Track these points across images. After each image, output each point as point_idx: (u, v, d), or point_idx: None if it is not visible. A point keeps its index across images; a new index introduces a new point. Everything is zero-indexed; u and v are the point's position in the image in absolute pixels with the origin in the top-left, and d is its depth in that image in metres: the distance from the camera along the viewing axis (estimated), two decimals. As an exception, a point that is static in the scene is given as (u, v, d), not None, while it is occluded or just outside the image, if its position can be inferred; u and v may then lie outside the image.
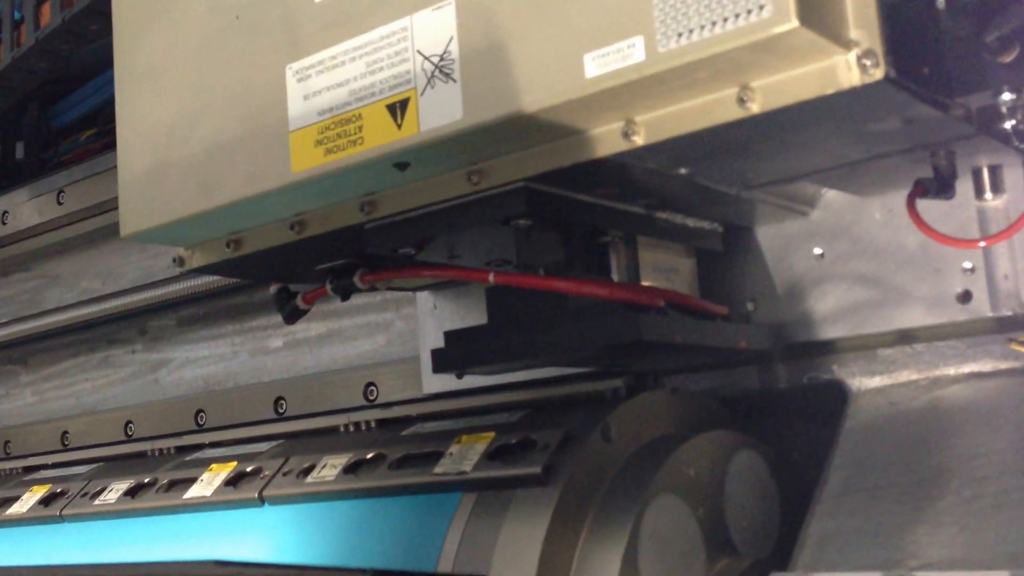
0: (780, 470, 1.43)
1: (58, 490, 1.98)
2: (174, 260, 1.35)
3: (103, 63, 2.26)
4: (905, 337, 1.33)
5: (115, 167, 2.14)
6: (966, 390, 1.28)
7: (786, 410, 1.49)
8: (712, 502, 1.31)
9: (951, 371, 1.30)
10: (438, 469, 1.38)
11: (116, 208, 2.15)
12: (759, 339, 1.37)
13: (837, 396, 1.37)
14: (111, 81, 2.25)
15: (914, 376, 1.33)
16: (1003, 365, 1.27)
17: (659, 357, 1.39)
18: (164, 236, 1.31)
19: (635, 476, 1.27)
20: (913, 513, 1.14)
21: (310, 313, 1.46)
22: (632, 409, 1.37)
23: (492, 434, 1.39)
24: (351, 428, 1.79)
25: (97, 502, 1.85)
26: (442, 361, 1.29)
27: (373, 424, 1.76)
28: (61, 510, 1.90)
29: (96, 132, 2.34)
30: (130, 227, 1.29)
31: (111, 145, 2.25)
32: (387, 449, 1.50)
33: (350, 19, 1.12)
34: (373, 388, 1.83)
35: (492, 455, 1.35)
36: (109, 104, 2.29)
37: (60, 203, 2.29)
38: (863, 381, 1.37)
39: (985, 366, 1.29)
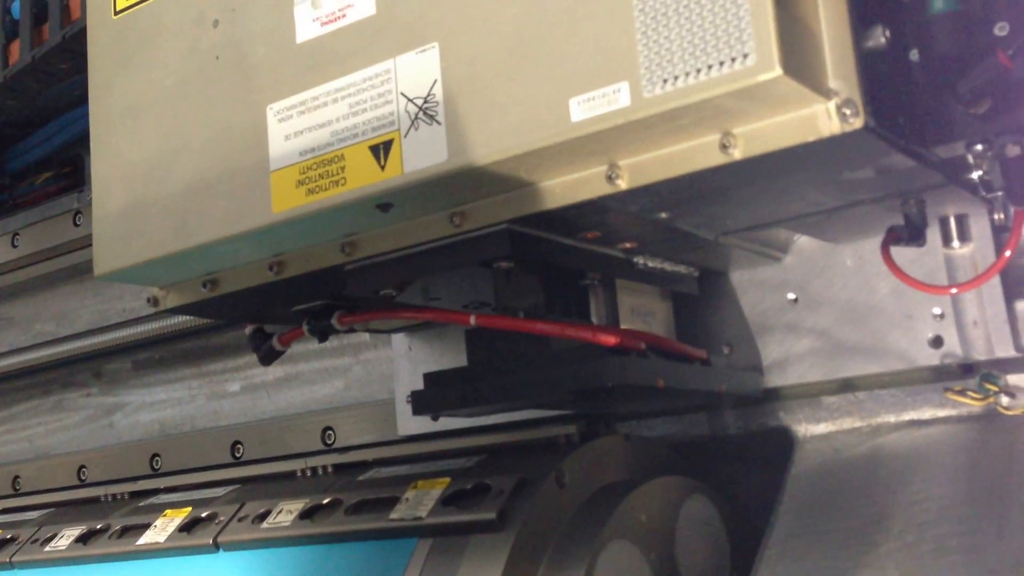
0: (730, 515, 1.44)
1: (8, 536, 1.93)
2: (148, 300, 1.32)
3: (59, 107, 2.24)
4: (879, 382, 1.35)
5: (71, 210, 2.17)
6: (906, 437, 1.30)
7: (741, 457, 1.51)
8: (664, 547, 1.32)
9: (892, 419, 1.33)
10: (394, 515, 1.37)
11: (72, 251, 2.19)
12: (743, 383, 1.38)
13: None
14: (68, 125, 2.27)
15: (882, 420, 1.35)
16: (941, 413, 1.31)
17: (639, 401, 1.40)
18: (139, 276, 1.29)
19: (588, 522, 1.28)
20: (857, 558, 1.17)
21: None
22: (585, 455, 1.38)
23: (447, 480, 1.39)
24: (308, 473, 1.78)
25: (48, 549, 1.80)
26: (422, 403, 1.29)
27: (330, 469, 1.75)
28: (11, 557, 1.85)
29: (52, 175, 2.31)
30: (104, 266, 1.27)
31: (67, 188, 2.26)
32: (343, 494, 1.49)
33: (333, 61, 1.12)
34: (331, 432, 1.83)
35: (447, 501, 1.35)
36: (66, 148, 2.30)
37: (15, 246, 2.28)
38: (809, 427, 1.40)
39: (924, 414, 1.32)
